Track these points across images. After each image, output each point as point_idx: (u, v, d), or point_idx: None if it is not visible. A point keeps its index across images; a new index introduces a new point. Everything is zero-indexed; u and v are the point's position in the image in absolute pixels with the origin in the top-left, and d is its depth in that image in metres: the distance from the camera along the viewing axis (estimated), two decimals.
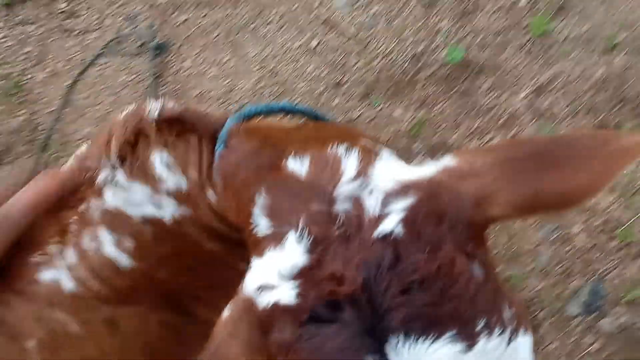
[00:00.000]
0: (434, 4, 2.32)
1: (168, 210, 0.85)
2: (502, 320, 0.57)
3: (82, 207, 0.85)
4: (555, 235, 1.84)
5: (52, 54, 2.65)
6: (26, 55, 2.64)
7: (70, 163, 0.89)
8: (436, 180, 0.63)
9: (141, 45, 2.57)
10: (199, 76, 2.46)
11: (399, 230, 0.59)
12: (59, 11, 2.73)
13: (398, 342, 0.54)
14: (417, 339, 0.54)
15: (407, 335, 0.54)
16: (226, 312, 0.68)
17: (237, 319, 0.66)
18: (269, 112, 0.88)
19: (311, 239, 0.62)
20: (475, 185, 0.61)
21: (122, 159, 0.84)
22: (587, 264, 1.80)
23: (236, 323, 0.66)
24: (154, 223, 0.85)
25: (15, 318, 0.83)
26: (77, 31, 2.67)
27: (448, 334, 0.54)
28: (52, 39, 2.68)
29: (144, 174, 0.84)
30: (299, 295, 0.61)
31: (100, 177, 0.84)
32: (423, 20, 2.33)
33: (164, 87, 2.46)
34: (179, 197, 0.85)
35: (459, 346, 0.54)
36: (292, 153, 0.73)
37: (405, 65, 2.29)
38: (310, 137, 0.78)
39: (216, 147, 0.82)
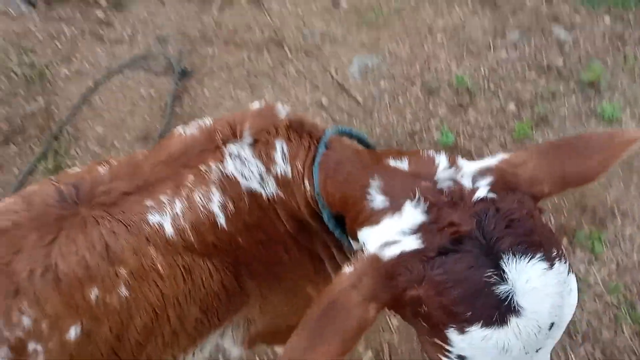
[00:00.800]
0: (434, 93, 2.63)
1: (269, 189, 1.06)
2: (563, 253, 0.82)
3: (202, 167, 1.03)
4: None
5: (79, 54, 2.80)
6: (55, 49, 2.78)
7: (189, 131, 1.08)
8: (500, 167, 0.89)
9: (167, 66, 2.76)
10: (214, 106, 2.65)
11: (491, 195, 0.84)
12: (96, 18, 2.91)
13: (508, 259, 0.78)
14: (521, 257, 0.78)
15: (514, 254, 0.78)
16: (347, 269, 0.85)
17: (360, 272, 0.84)
18: (353, 135, 1.16)
19: (427, 204, 0.86)
20: (526, 170, 0.88)
21: (255, 141, 1.06)
22: None
23: (359, 275, 0.83)
24: (254, 196, 1.06)
25: (117, 246, 0.98)
26: (109, 40, 2.84)
27: (539, 255, 0.78)
28: (83, 40, 2.84)
29: (266, 156, 1.06)
30: (424, 241, 0.82)
31: (228, 149, 1.05)
32: (423, 104, 2.62)
33: (181, 108, 2.63)
34: (282, 181, 1.06)
35: (545, 264, 0.79)
36: (390, 157, 0.99)
37: (402, 138, 2.55)
38: (392, 151, 1.03)
39: (318, 148, 1.06)
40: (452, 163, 0.92)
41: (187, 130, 1.09)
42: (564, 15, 2.81)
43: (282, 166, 1.06)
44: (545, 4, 2.85)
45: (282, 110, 1.09)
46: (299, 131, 1.08)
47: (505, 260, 0.78)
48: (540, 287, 0.79)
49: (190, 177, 1.04)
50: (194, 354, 1.28)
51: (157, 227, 1.01)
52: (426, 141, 2.56)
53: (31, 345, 0.94)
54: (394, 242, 0.85)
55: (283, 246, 1.13)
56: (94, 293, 0.97)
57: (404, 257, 0.83)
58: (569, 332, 2.03)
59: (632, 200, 2.28)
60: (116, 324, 1.01)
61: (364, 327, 0.82)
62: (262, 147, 1.06)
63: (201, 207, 1.03)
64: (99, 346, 1.00)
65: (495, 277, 0.78)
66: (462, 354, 0.81)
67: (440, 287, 0.79)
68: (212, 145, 1.05)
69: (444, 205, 0.86)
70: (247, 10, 2.91)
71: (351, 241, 1.08)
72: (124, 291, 1.00)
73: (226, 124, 1.07)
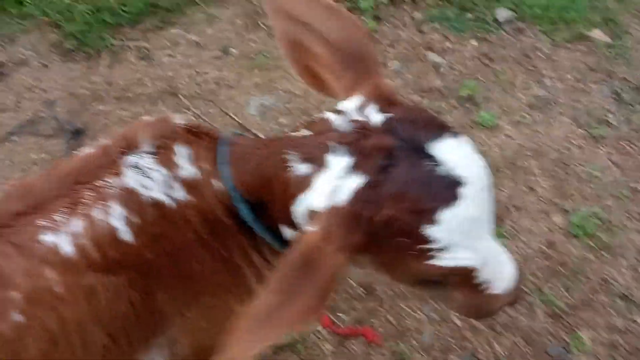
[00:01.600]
0: None
1: (176, 194, 1.03)
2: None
3: (99, 182, 0.99)
4: (434, 314, 2.12)
5: None
6: None
7: (86, 150, 1.05)
8: (370, 92, 0.98)
9: (57, 128, 2.66)
10: None
11: (384, 114, 0.94)
12: None
13: (431, 146, 0.89)
14: (437, 141, 0.89)
15: (432, 141, 0.89)
16: (310, 228, 0.88)
17: (325, 225, 0.88)
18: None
19: (344, 147, 0.91)
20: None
21: (155, 147, 1.03)
22: (463, 341, 2.08)
23: (326, 228, 0.88)
24: (159, 206, 1.01)
25: (8, 268, 0.91)
26: None
27: (447, 134, 0.91)
28: None
29: (169, 161, 1.03)
30: (363, 172, 0.88)
31: (126, 161, 1.01)
32: None
33: None
34: (190, 184, 1.03)
35: (454, 139, 0.92)
36: (289, 134, 1.04)
37: None
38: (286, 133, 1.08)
39: (219, 147, 1.06)
40: (339, 112, 0.98)
41: (84, 150, 1.06)
42: (436, 42, 3.09)
43: (187, 169, 1.04)
44: (418, 35, 3.12)
45: (177, 118, 1.09)
46: (197, 134, 1.08)
47: (429, 148, 0.89)
48: (464, 156, 0.91)
49: (87, 193, 0.99)
50: None
51: (53, 247, 0.95)
52: None
53: None
54: (339, 188, 0.90)
55: (194, 257, 1.08)
56: None
57: (358, 195, 0.88)
58: (491, 325, 2.12)
59: (522, 195, 2.48)
60: (9, 354, 0.92)
61: (336, 278, 0.87)
62: (163, 153, 1.04)
63: (101, 223, 0.98)
64: None
65: (431, 164, 0.88)
66: (445, 244, 0.89)
67: (399, 196, 0.87)
68: (108, 159, 1.02)
69: (358, 140, 0.91)
70: (137, 65, 2.90)
71: (280, 230, 1.08)
72: (17, 317, 0.92)
73: (121, 137, 1.05)
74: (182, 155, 1.04)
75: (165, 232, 1.04)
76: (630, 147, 2.68)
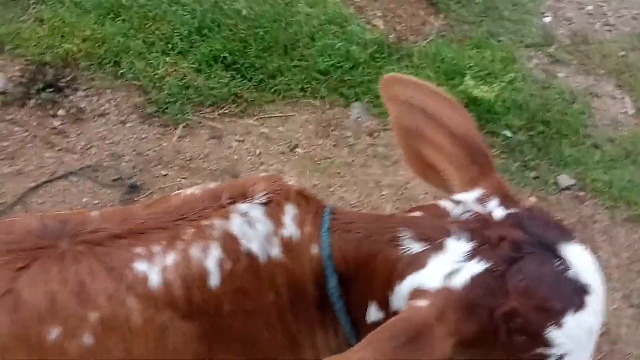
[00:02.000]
0: None
1: (273, 252, 1.01)
2: None
3: (205, 222, 0.98)
4: None
5: (25, 156, 2.73)
6: (1, 147, 2.71)
7: (191, 190, 1.06)
8: (491, 188, 0.99)
9: (115, 180, 2.73)
10: None
11: (507, 209, 0.93)
12: (51, 126, 2.91)
13: (561, 247, 0.86)
14: (567, 244, 0.88)
15: (562, 243, 0.88)
16: (421, 302, 0.84)
17: (440, 305, 0.83)
18: None
19: (465, 233, 0.88)
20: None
21: (268, 201, 1.03)
22: None
23: (441, 308, 0.82)
24: (252, 258, 0.99)
25: (93, 287, 0.88)
26: (60, 147, 2.82)
27: (574, 239, 0.89)
28: (32, 144, 2.79)
29: (276, 217, 1.02)
30: (487, 260, 0.84)
31: (237, 207, 1.01)
32: None
33: None
34: (288, 245, 1.02)
35: (580, 244, 0.88)
36: (398, 214, 1.04)
37: None
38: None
39: (324, 215, 1.05)
40: (457, 201, 0.97)
41: (189, 190, 1.07)
42: None
43: (290, 229, 1.03)
44: None
45: (289, 181, 1.13)
46: (307, 198, 1.08)
47: (559, 250, 0.88)
48: (589, 263, 0.90)
49: (190, 230, 0.98)
50: None
51: (142, 277, 0.93)
52: None
53: None
54: (457, 271, 0.86)
55: (267, 323, 1.04)
56: (53, 333, 0.86)
57: (476, 280, 0.85)
58: None
59: None
60: None
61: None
62: (274, 207, 1.03)
63: (196, 262, 0.96)
64: None
65: (562, 266, 0.85)
66: (562, 351, 0.85)
67: (528, 291, 0.84)
68: (216, 203, 1.02)
69: (480, 228, 0.89)
70: (207, 142, 3.03)
71: (367, 308, 1.03)
72: (87, 339, 0.88)
73: (236, 184, 1.06)
74: (289, 214, 1.04)
75: (249, 288, 1.01)
76: None
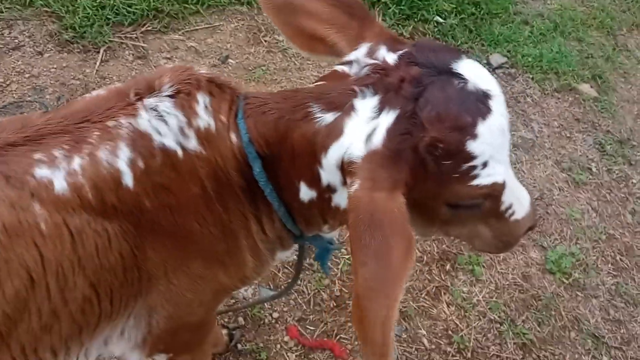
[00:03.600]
0: None
1: (189, 144, 1.02)
2: None
3: (110, 122, 0.99)
4: (404, 335, 2.14)
5: None
6: None
7: (96, 92, 1.06)
8: (376, 40, 1.05)
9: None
10: None
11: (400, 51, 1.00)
12: None
13: (456, 66, 0.94)
14: (460, 62, 0.95)
15: (456, 62, 0.94)
16: (355, 188, 0.91)
17: (369, 173, 0.91)
18: None
19: (369, 87, 0.95)
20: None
21: (177, 92, 1.03)
22: None
23: (370, 176, 0.90)
24: (168, 154, 1.01)
25: None
26: None
27: (464, 56, 0.96)
28: None
29: (188, 108, 1.02)
30: (394, 107, 0.93)
31: (145, 102, 1.01)
32: None
33: None
34: (205, 135, 1.03)
35: (472, 60, 0.98)
36: (305, 86, 1.06)
37: None
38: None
39: (239, 102, 1.07)
40: (350, 62, 1.03)
41: (94, 92, 1.07)
42: None
43: (205, 119, 1.04)
44: None
45: (201, 69, 1.10)
46: (220, 86, 1.08)
47: (454, 69, 0.95)
48: (483, 73, 0.98)
49: (95, 133, 0.98)
50: (77, 357, 1.17)
51: (46, 182, 0.93)
52: None
53: None
54: (374, 130, 0.93)
55: (196, 216, 1.07)
56: None
57: (391, 129, 0.92)
58: (459, 349, 2.14)
59: None
60: None
61: (406, 218, 0.90)
62: (184, 98, 1.03)
63: (105, 164, 0.97)
64: None
65: (461, 82, 0.94)
66: (484, 159, 0.94)
67: (440, 116, 0.91)
68: (123, 102, 1.02)
69: (380, 79, 0.96)
70: (132, 64, 2.97)
71: (297, 187, 1.08)
72: None
73: (142, 80, 1.06)
74: (202, 103, 1.04)
75: (170, 184, 1.02)
76: (610, 196, 2.80)
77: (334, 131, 0.97)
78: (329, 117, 0.99)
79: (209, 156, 1.05)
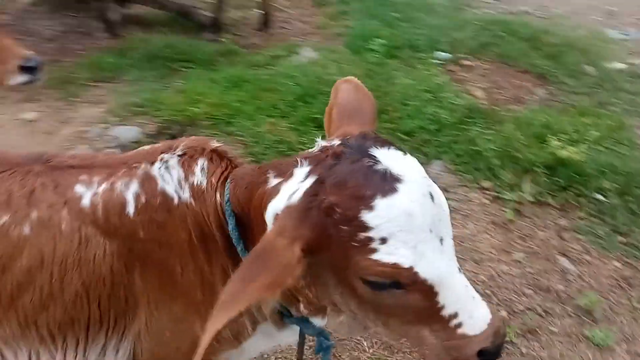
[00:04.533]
0: None
1: (183, 195, 1.29)
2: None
3: (135, 164, 1.33)
4: None
5: None
6: None
7: (147, 146, 1.43)
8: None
9: None
10: None
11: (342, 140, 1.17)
12: None
13: (375, 150, 1.09)
14: (382, 148, 1.10)
15: (377, 147, 1.09)
16: (270, 227, 1.09)
17: (280, 222, 1.07)
18: None
19: (307, 160, 1.13)
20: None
21: (183, 154, 1.34)
22: None
23: (280, 225, 1.07)
24: (166, 198, 1.29)
25: (42, 196, 1.26)
26: None
27: (393, 147, 1.12)
28: None
29: (188, 167, 1.33)
30: (316, 174, 1.09)
31: (161, 156, 1.34)
32: None
33: None
34: (196, 190, 1.30)
35: (400, 152, 1.12)
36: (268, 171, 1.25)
37: None
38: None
39: (232, 172, 1.34)
40: (316, 146, 1.21)
41: (147, 147, 1.43)
42: (573, 251, 3.04)
43: (199, 178, 1.31)
44: (556, 238, 3.12)
45: (215, 143, 1.39)
46: (220, 156, 1.36)
47: (374, 152, 1.09)
48: (405, 163, 1.10)
49: (123, 170, 1.32)
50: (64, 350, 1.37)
51: (78, 197, 1.27)
52: None
53: None
54: (296, 190, 1.09)
55: (180, 259, 1.28)
56: (3, 219, 1.24)
57: (307, 192, 1.07)
58: None
59: None
60: (8, 252, 1.24)
61: (292, 268, 1.02)
62: (187, 159, 1.33)
63: (118, 191, 1.28)
64: None
65: (371, 161, 1.07)
66: (383, 233, 1.02)
67: (340, 185, 1.05)
68: (152, 153, 1.36)
69: (318, 154, 1.13)
70: None
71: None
72: (26, 229, 1.24)
73: (169, 143, 1.39)
74: (199, 165, 1.33)
75: (164, 222, 1.28)
76: None
77: (274, 191, 1.16)
78: (275, 181, 1.18)
79: (198, 209, 1.29)
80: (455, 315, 1.09)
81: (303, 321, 1.39)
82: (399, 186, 1.04)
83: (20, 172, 1.30)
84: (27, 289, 1.26)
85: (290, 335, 1.55)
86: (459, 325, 1.09)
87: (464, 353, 1.12)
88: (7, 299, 1.26)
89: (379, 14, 5.40)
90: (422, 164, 3.06)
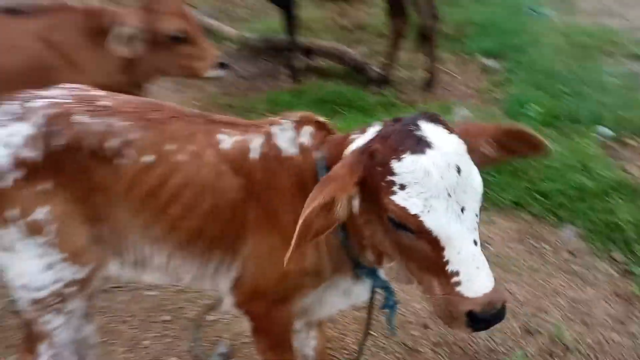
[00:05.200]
0: (531, 333, 2.80)
1: (292, 150, 1.72)
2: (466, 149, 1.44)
3: (265, 126, 1.81)
4: None
5: None
6: None
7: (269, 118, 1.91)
8: None
9: None
10: None
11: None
12: None
13: (424, 122, 1.40)
14: (430, 123, 1.40)
15: (426, 121, 1.40)
16: (343, 160, 1.50)
17: (345, 160, 1.48)
18: None
19: (378, 126, 1.51)
20: None
21: (298, 122, 1.78)
22: None
23: (347, 160, 1.47)
24: (279, 151, 1.74)
25: (197, 137, 1.77)
26: None
27: (442, 126, 1.41)
28: None
29: (299, 130, 1.76)
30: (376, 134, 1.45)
31: (282, 121, 1.80)
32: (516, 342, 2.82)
33: None
34: (303, 148, 1.73)
35: (446, 131, 1.40)
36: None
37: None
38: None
39: (328, 137, 1.75)
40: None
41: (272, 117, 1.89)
42: None
43: (305, 139, 1.74)
44: None
45: (320, 117, 1.81)
46: (322, 126, 1.78)
47: (421, 123, 1.40)
48: (444, 137, 1.37)
49: (253, 128, 1.81)
50: (197, 271, 1.86)
51: (220, 141, 1.77)
52: None
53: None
54: (362, 141, 1.50)
55: (282, 201, 1.70)
56: (171, 147, 1.75)
57: (367, 143, 1.46)
58: None
59: None
60: (168, 171, 1.72)
61: (348, 186, 1.39)
62: (298, 125, 1.77)
63: (248, 141, 1.77)
64: (151, 180, 1.74)
65: (415, 128, 1.38)
66: (402, 181, 1.32)
67: (385, 139, 1.39)
68: (275, 120, 1.82)
69: (390, 121, 1.50)
70: None
71: None
72: (183, 157, 1.74)
73: (288, 114, 1.82)
74: (307, 131, 1.77)
75: (274, 170, 1.73)
76: None
77: (350, 142, 1.57)
78: (354, 137, 1.58)
79: (301, 162, 1.72)
80: (456, 274, 1.32)
81: (372, 272, 1.73)
82: (428, 151, 1.33)
83: (187, 120, 1.84)
84: (175, 201, 1.75)
85: (362, 294, 1.85)
86: (458, 283, 1.32)
87: (456, 309, 1.34)
88: (160, 206, 1.76)
89: (545, 85, 5.46)
90: (552, 226, 3.14)
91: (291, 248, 1.36)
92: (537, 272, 3.28)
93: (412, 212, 1.32)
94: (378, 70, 5.91)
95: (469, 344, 2.80)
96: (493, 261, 3.35)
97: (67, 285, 1.81)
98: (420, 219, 1.31)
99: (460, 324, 1.36)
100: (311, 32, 7.23)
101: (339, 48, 6.19)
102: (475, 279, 1.32)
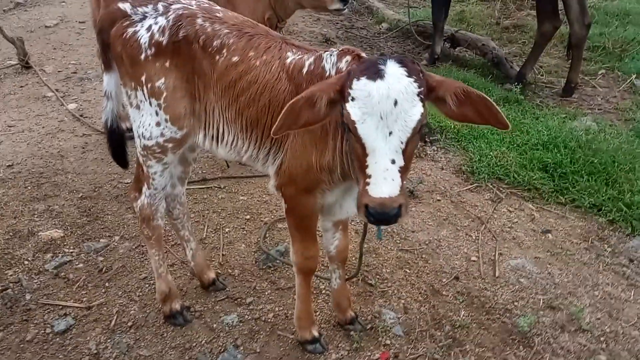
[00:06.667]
0: None
1: (332, 71, 2.26)
2: (421, 93, 1.89)
3: (315, 52, 2.41)
4: None
5: None
6: None
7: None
8: None
9: None
10: None
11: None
12: None
13: (390, 61, 1.88)
14: (395, 63, 1.87)
15: (393, 62, 1.87)
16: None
17: (341, 75, 2.04)
18: None
19: (337, 55, 2.24)
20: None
21: (341, 51, 2.31)
22: None
23: (341, 75, 2.05)
24: (323, 70, 2.28)
25: (270, 50, 2.44)
26: None
27: (405, 68, 1.86)
28: None
29: (339, 58, 2.26)
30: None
31: (330, 49, 2.38)
32: None
33: None
34: (338, 71, 2.23)
35: (405, 73, 1.86)
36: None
37: None
38: None
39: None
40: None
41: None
42: None
43: (343, 64, 2.27)
44: None
45: (360, 51, 2.32)
46: (359, 57, 2.27)
47: (388, 60, 1.86)
48: (398, 74, 1.81)
49: (311, 52, 2.39)
50: (258, 151, 2.55)
51: (285, 57, 2.39)
52: None
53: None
54: (345, 65, 2.18)
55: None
56: (252, 53, 2.43)
57: (346, 68, 2.09)
58: None
59: None
60: (245, 70, 2.37)
61: (332, 89, 1.92)
62: (341, 54, 2.30)
63: (302, 59, 2.37)
64: (233, 74, 2.43)
65: (381, 63, 1.85)
66: (354, 95, 1.83)
67: (359, 64, 1.91)
68: (326, 49, 2.37)
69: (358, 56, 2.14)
70: None
71: None
72: (257, 63, 2.39)
73: (338, 47, 2.37)
74: (346, 59, 2.30)
75: (314, 83, 2.28)
76: None
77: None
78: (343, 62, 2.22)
79: (336, 81, 2.20)
80: (369, 177, 1.82)
81: None
82: (378, 80, 1.82)
83: (269, 38, 2.51)
84: (244, 93, 2.45)
85: None
86: (368, 183, 1.82)
87: (360, 201, 1.87)
88: (235, 95, 2.47)
89: None
90: (624, 234, 3.37)
91: (277, 123, 1.97)
92: (586, 266, 3.47)
93: (352, 118, 1.83)
94: (517, 68, 6.14)
95: (488, 299, 3.16)
96: (545, 245, 3.62)
97: (166, 141, 2.61)
98: (356, 125, 1.82)
99: (362, 212, 1.87)
100: (467, 25, 7.61)
101: (483, 41, 6.51)
102: (379, 184, 1.80)
